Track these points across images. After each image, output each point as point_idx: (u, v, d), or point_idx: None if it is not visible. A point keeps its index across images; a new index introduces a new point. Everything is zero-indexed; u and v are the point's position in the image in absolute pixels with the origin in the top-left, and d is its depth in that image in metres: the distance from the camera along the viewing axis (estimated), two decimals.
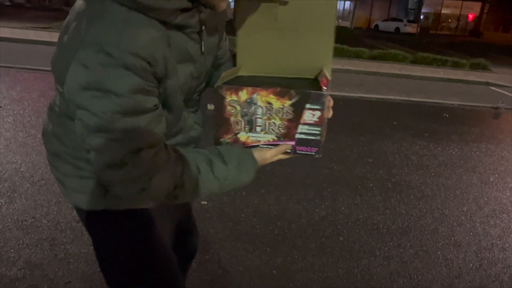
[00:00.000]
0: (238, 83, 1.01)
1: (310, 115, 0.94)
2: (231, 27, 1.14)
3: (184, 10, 0.89)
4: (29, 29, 10.97)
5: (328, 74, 1.06)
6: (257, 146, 1.02)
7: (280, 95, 0.94)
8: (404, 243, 2.73)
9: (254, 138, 1.01)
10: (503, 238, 2.92)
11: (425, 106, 6.97)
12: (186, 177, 0.93)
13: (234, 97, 0.97)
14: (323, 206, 3.11)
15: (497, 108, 7.18)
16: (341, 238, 2.71)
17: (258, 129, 0.99)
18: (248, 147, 1.03)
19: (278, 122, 0.97)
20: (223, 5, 0.95)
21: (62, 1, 24.48)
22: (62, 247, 2.33)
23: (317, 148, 0.97)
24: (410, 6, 34.96)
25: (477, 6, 36.12)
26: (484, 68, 12.04)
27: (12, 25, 10.98)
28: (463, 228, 3.01)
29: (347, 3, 34.81)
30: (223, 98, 0.98)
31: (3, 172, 3.10)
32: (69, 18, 0.92)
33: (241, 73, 1.15)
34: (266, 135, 0.99)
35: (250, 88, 0.96)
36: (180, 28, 0.92)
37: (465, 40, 26.19)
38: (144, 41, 0.83)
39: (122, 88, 0.81)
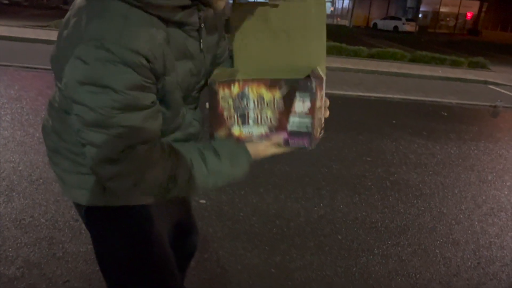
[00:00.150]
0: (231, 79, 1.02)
1: (300, 105, 0.94)
2: (227, 29, 1.15)
3: (183, 8, 0.90)
4: (27, 28, 10.94)
5: (322, 73, 1.06)
6: (251, 140, 1.03)
7: (271, 86, 0.95)
8: (403, 242, 2.74)
9: (247, 132, 1.01)
10: (501, 237, 2.93)
11: (423, 105, 6.98)
12: (179, 171, 0.95)
13: (226, 92, 0.99)
14: (321, 204, 3.11)
15: (495, 106, 7.19)
16: (339, 237, 2.72)
17: (251, 122, 1.00)
18: (241, 141, 1.04)
19: (269, 114, 0.98)
20: (221, 4, 0.96)
21: (60, 0, 24.45)
22: (61, 246, 2.32)
23: (309, 140, 0.97)
24: (408, 4, 34.96)
25: (476, 4, 36.16)
26: (482, 66, 12.06)
27: (10, 24, 10.95)
28: (461, 226, 3.02)
29: (346, 2, 34.86)
30: (216, 93, 1.00)
31: (1, 171, 3.09)
32: (69, 14, 0.92)
33: (238, 76, 1.15)
34: (259, 128, 1.00)
35: (241, 82, 0.97)
36: (180, 25, 0.93)
37: (464, 39, 26.24)
38: (143, 38, 0.84)
39: (120, 84, 0.82)
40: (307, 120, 0.95)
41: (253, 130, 1.00)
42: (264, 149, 1.04)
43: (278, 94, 0.95)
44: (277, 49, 1.08)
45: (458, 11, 36.76)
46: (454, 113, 6.59)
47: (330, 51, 11.37)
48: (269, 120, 0.98)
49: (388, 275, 2.39)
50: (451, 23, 37.64)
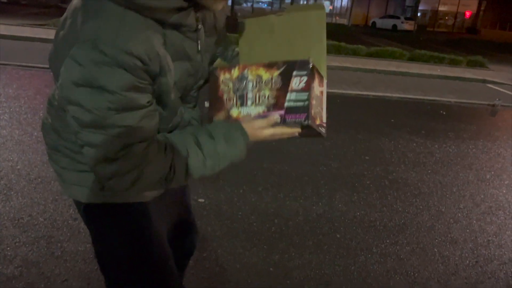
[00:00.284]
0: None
1: (297, 82, 0.96)
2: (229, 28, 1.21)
3: (179, 10, 0.90)
4: (25, 26, 10.90)
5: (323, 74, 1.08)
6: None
7: (269, 66, 0.98)
8: (401, 240, 2.74)
9: (245, 112, 1.02)
10: (499, 235, 2.94)
11: (422, 104, 6.98)
12: (176, 163, 0.95)
13: (227, 75, 1.02)
14: (320, 203, 3.11)
15: (493, 105, 7.19)
16: (338, 236, 2.72)
17: (249, 102, 1.01)
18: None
19: (267, 93, 0.99)
20: (219, 6, 0.96)
21: None
22: (59, 245, 2.32)
23: (306, 114, 0.97)
24: (407, 3, 34.97)
25: (474, 3, 36.17)
26: (481, 65, 12.06)
27: (8, 22, 10.91)
28: (459, 225, 3.03)
29: (345, 0, 34.83)
30: (217, 78, 1.03)
31: (0, 169, 3.09)
32: (66, 15, 0.93)
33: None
34: (257, 108, 1.01)
35: (241, 65, 1.01)
36: (176, 27, 0.93)
37: (462, 37, 26.24)
38: (138, 40, 0.84)
39: (115, 85, 0.82)
40: (304, 95, 0.96)
41: (251, 110, 1.01)
42: (260, 128, 1.01)
43: (276, 73, 0.98)
44: (281, 58, 1.11)
45: (457, 9, 36.76)
46: (453, 112, 6.60)
47: (329, 50, 11.35)
48: (266, 98, 0.99)
49: (387, 274, 2.40)
50: (450, 22, 37.64)
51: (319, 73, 1.02)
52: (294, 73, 0.96)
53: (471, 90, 8.81)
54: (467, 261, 2.60)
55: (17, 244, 2.30)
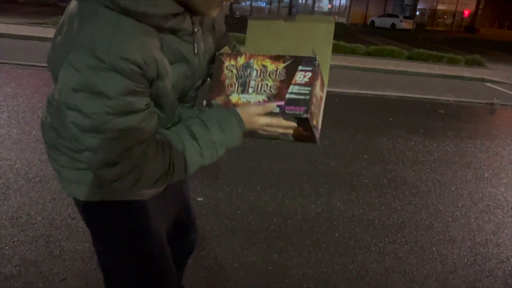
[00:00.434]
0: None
1: (301, 76, 0.98)
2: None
3: (175, 15, 0.90)
4: (24, 25, 10.87)
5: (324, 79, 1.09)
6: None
7: (276, 59, 1.00)
8: (399, 239, 2.75)
9: (245, 99, 1.02)
10: (497, 234, 2.94)
11: (420, 103, 6.99)
12: (174, 158, 0.96)
13: (232, 62, 1.04)
14: (318, 202, 3.11)
15: (492, 104, 7.20)
16: (336, 234, 2.72)
17: (251, 90, 1.02)
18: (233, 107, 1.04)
19: (270, 83, 1.00)
20: (213, 13, 0.97)
21: None
22: (58, 244, 2.32)
23: (305, 107, 0.97)
24: (406, 2, 34.95)
25: (473, 2, 36.17)
26: (479, 64, 12.07)
27: (6, 21, 10.88)
28: (457, 223, 3.03)
29: None
30: (222, 63, 1.04)
31: None
32: (63, 19, 0.93)
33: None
34: (257, 96, 1.01)
35: (248, 54, 1.03)
36: (173, 31, 0.93)
37: (461, 36, 26.21)
38: (134, 46, 0.84)
39: (113, 90, 0.83)
40: (306, 89, 0.97)
41: (251, 98, 1.01)
42: (256, 115, 1.01)
43: (281, 65, 0.99)
44: None
45: (456, 8, 36.76)
46: (451, 111, 6.61)
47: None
48: (269, 88, 1.00)
49: (385, 273, 2.40)
50: (449, 21, 37.63)
51: (322, 77, 1.03)
52: (300, 67, 0.98)
53: (470, 89, 8.82)
54: (465, 260, 2.60)
55: (15, 243, 2.30)
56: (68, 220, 2.54)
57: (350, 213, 3.00)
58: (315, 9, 33.46)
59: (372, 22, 32.43)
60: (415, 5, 33.84)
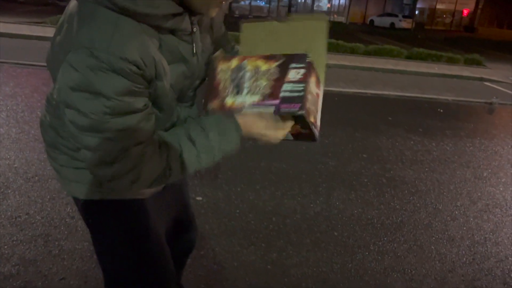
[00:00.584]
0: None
1: (294, 73, 0.97)
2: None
3: (174, 15, 0.91)
4: (23, 24, 10.86)
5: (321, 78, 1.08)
6: (242, 109, 1.02)
7: (268, 58, 1.00)
8: (398, 238, 2.75)
9: (239, 101, 1.01)
10: (496, 233, 2.95)
11: (419, 102, 6.99)
12: (171, 159, 0.96)
13: (225, 65, 1.03)
14: (317, 201, 3.12)
15: (491, 103, 7.20)
16: (335, 233, 2.72)
17: (245, 91, 1.01)
18: (231, 112, 1.03)
19: (264, 82, 0.99)
20: (213, 12, 0.97)
21: None
22: (56, 243, 2.32)
23: (300, 104, 0.96)
24: (405, 1, 34.96)
25: (472, 1, 36.20)
26: (478, 63, 12.08)
27: (5, 20, 10.87)
28: (456, 222, 3.04)
29: None
30: (216, 67, 1.04)
31: None
32: (63, 19, 0.93)
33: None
34: (252, 97, 1.00)
35: (241, 56, 1.02)
36: (171, 31, 0.94)
37: (460, 36, 26.24)
38: (133, 46, 0.84)
39: (111, 90, 0.83)
40: (300, 86, 0.96)
41: (246, 99, 1.01)
42: (253, 120, 1.00)
43: (274, 65, 0.99)
44: None
45: (455, 8, 36.78)
46: (450, 110, 6.61)
47: (327, 48, 11.33)
48: (263, 88, 0.99)
49: (384, 271, 2.40)
50: (448, 20, 37.66)
51: (317, 73, 1.02)
52: (292, 65, 0.97)
53: (469, 88, 8.83)
54: (464, 259, 2.61)
55: (14, 242, 2.30)
56: (67, 219, 2.54)
57: (349, 212, 3.00)
58: (314, 8, 33.46)
59: (371, 21, 32.44)
60: (414, 4, 33.85)
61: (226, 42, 1.29)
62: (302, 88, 0.96)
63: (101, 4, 0.84)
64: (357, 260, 2.48)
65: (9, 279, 2.03)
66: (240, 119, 1.00)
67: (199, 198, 2.93)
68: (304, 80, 0.96)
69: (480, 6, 36.14)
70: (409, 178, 3.73)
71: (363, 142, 4.56)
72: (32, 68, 6.26)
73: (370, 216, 2.99)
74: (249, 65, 1.01)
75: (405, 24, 29.66)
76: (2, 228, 2.40)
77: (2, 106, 4.40)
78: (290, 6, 28.83)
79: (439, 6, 36.73)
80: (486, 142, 5.01)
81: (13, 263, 2.14)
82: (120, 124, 0.86)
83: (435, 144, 4.74)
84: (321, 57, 1.09)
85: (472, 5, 36.39)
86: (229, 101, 1.02)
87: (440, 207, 3.24)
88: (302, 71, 0.96)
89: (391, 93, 7.44)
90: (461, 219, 3.09)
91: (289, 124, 1.02)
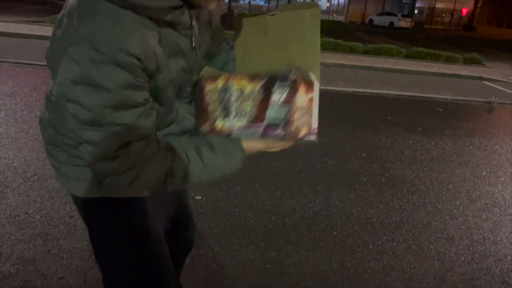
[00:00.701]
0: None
1: (278, 96, 0.95)
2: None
3: (174, 8, 0.91)
4: (21, 23, 10.84)
5: (314, 78, 1.07)
6: (230, 133, 1.03)
7: (252, 78, 0.97)
8: (397, 237, 2.75)
9: (229, 124, 1.02)
10: (495, 232, 2.95)
11: (418, 101, 7.00)
12: (176, 166, 0.97)
13: (212, 86, 1.02)
14: (317, 200, 3.12)
15: (490, 102, 7.21)
16: (334, 232, 2.73)
17: (233, 114, 1.01)
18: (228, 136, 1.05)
19: (250, 105, 0.99)
20: (212, 6, 0.97)
21: None
22: (56, 242, 2.32)
23: (284, 130, 0.96)
24: (404, 0, 34.92)
25: (471, 0, 36.21)
26: (477, 62, 12.09)
27: (4, 19, 10.85)
28: (455, 222, 3.04)
29: None
30: (203, 88, 1.03)
31: None
32: (62, 13, 0.93)
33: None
34: (240, 120, 1.00)
35: (226, 75, 1.01)
36: (171, 24, 0.94)
37: (459, 35, 26.22)
38: (134, 39, 0.85)
39: (113, 83, 0.83)
40: (283, 110, 0.95)
41: (234, 123, 1.01)
42: (259, 145, 1.05)
43: (258, 85, 0.97)
44: (276, 60, 1.11)
45: (454, 7, 36.79)
46: (449, 109, 6.62)
47: (326, 47, 11.37)
48: (249, 111, 0.99)
49: (383, 271, 2.41)
50: (447, 19, 37.67)
51: (306, 81, 1.00)
52: (275, 86, 0.95)
53: (468, 87, 8.84)
54: (463, 258, 2.61)
55: (13, 241, 2.29)
56: (66, 219, 2.53)
57: (348, 212, 3.01)
58: None
59: (371, 20, 32.41)
60: (413, 3, 33.83)
61: (223, 40, 1.29)
62: (285, 112, 0.95)
63: None
64: (356, 259, 2.48)
65: (8, 278, 2.03)
66: (245, 143, 1.04)
67: (198, 197, 2.93)
68: (288, 102, 0.95)
69: (479, 5, 36.15)
70: (408, 177, 3.73)
71: (362, 141, 4.56)
72: (31, 67, 6.25)
73: (369, 215, 3.00)
74: (234, 86, 0.99)
75: (404, 23, 29.64)
76: (1, 227, 2.40)
77: (1, 105, 4.39)
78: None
79: (438, 5, 36.74)
80: (485, 141, 5.02)
81: (12, 262, 2.13)
82: (121, 118, 0.86)
83: (434, 143, 4.74)
84: (315, 49, 1.07)
85: (471, 4, 36.40)
86: (219, 124, 1.03)
87: (439, 206, 3.25)
88: (286, 90, 0.94)
89: (390, 92, 7.44)
90: (460, 218, 3.09)
91: (284, 144, 1.04)
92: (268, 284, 2.20)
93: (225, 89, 1.00)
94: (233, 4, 25.46)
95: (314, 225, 2.79)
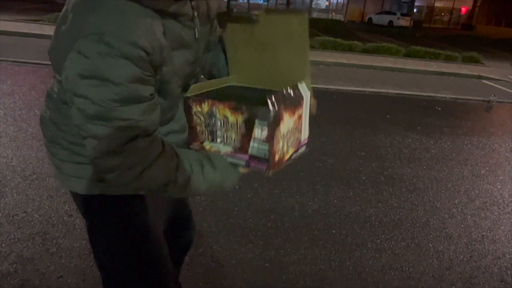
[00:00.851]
0: (205, 94, 1.06)
1: (259, 132, 0.96)
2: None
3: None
4: (20, 22, 10.82)
5: (303, 89, 1.07)
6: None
7: (234, 109, 0.98)
8: (396, 236, 2.76)
9: (216, 148, 1.05)
10: (493, 230, 2.96)
11: (418, 100, 7.00)
12: (180, 173, 0.97)
13: (198, 108, 1.02)
14: (316, 199, 3.12)
15: (489, 101, 7.22)
16: (333, 231, 2.73)
17: (218, 140, 1.03)
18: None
19: (233, 135, 1.00)
20: None
21: None
22: (54, 241, 2.32)
23: (266, 165, 0.99)
24: None
25: None
26: (476, 61, 12.09)
27: (3, 18, 10.82)
28: (454, 220, 3.04)
29: None
30: (190, 108, 1.04)
31: None
32: (66, 8, 0.93)
33: (233, 83, 1.21)
34: (225, 147, 1.03)
35: (210, 101, 1.00)
36: (175, 16, 0.95)
37: (458, 34, 26.25)
38: (141, 31, 0.85)
39: (120, 77, 0.84)
40: (265, 148, 0.97)
41: (220, 148, 1.04)
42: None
43: (240, 118, 0.97)
44: (265, 61, 1.12)
45: (453, 6, 36.82)
46: (448, 108, 6.62)
47: (325, 46, 11.38)
48: (233, 140, 1.01)
49: (382, 269, 2.41)
50: (446, 18, 37.70)
51: (291, 103, 1.00)
52: (256, 122, 0.95)
53: (467, 86, 8.84)
54: (462, 256, 2.62)
55: (12, 240, 2.29)
56: (65, 218, 2.53)
57: (347, 210, 3.01)
58: (313, 6, 33.41)
59: (370, 19, 32.39)
60: (412, 2, 33.85)
61: (216, 37, 1.29)
62: (266, 149, 0.97)
63: None
64: (355, 257, 2.48)
65: (6, 277, 2.03)
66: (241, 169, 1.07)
67: (197, 196, 2.93)
68: (268, 141, 0.96)
69: (478, 4, 36.14)
70: (407, 176, 3.74)
71: (361, 140, 4.56)
72: (30, 66, 6.23)
73: (368, 214, 3.00)
74: (218, 113, 1.00)
75: (403, 22, 29.64)
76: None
77: (0, 104, 4.38)
78: (288, 3, 28.77)
79: (437, 4, 36.76)
80: (484, 140, 5.02)
81: (11, 261, 2.13)
82: (127, 113, 0.87)
83: (433, 142, 4.75)
84: (304, 55, 1.08)
85: (470, 3, 36.39)
86: (207, 145, 1.06)
87: (437, 205, 3.25)
88: (266, 129, 0.95)
89: (390, 91, 7.45)
90: (458, 217, 3.10)
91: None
92: (267, 283, 2.20)
93: (210, 115, 1.01)
94: (232, 3, 25.45)
95: (313, 223, 2.79)
